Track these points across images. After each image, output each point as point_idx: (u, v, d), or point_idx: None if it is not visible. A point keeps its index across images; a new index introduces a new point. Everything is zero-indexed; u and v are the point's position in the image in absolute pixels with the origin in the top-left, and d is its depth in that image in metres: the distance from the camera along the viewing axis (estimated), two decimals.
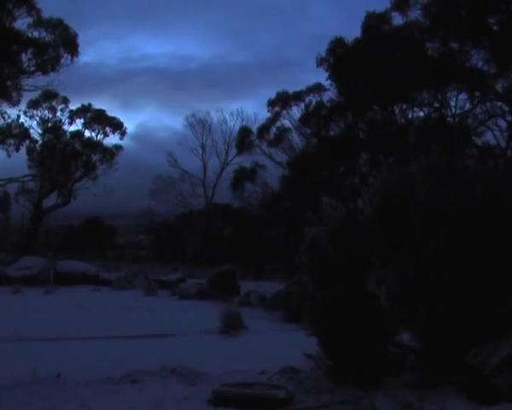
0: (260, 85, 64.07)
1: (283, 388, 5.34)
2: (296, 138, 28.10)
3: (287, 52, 70.67)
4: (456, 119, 22.41)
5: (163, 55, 74.71)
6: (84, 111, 30.68)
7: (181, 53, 77.74)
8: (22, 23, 23.62)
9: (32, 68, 24.61)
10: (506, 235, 5.55)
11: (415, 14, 21.59)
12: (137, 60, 68.55)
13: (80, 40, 25.11)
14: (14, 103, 26.08)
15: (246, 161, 30.35)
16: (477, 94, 21.36)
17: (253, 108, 65.90)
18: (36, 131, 29.99)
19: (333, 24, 69.11)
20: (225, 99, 65.90)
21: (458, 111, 22.52)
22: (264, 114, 28.92)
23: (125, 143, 31.85)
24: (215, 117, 33.41)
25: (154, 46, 78.13)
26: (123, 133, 31.11)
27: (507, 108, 21.08)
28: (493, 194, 5.65)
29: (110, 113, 31.38)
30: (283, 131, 28.10)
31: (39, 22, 24.05)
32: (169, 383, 5.97)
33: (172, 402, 5.30)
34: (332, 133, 25.95)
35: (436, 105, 22.94)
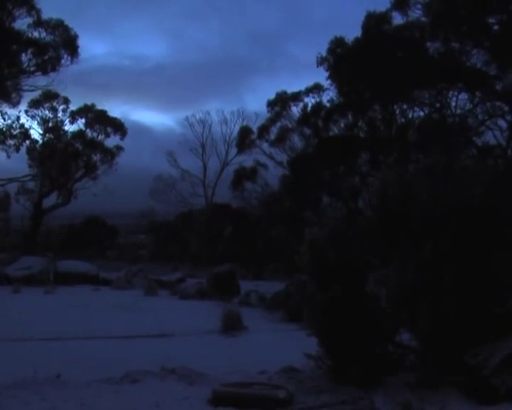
0: (219, 85, 64.38)
1: (283, 388, 5.34)
2: (296, 138, 28.14)
3: (235, 51, 70.98)
4: (457, 119, 22.40)
5: (113, 55, 73.89)
6: (85, 111, 30.70)
7: (131, 53, 77.13)
8: (22, 23, 23.69)
9: (32, 68, 24.64)
10: (506, 235, 5.54)
11: (415, 14, 21.61)
12: (89, 59, 67.96)
13: None
14: (14, 104, 26.11)
15: (246, 160, 30.42)
16: (477, 94, 21.36)
17: (216, 106, 66.02)
18: (36, 132, 30.06)
19: (270, 21, 69.48)
20: (187, 98, 65.95)
21: (458, 111, 22.53)
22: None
23: None
24: (215, 117, 33.46)
25: (99, 46, 77.42)
26: (124, 134, 31.13)
27: (507, 108, 21.08)
28: (493, 194, 5.65)
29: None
30: (284, 132, 28.11)
31: (39, 22, 24.07)
32: (169, 383, 5.97)
33: (172, 402, 5.30)
34: (332, 133, 25.96)
35: (436, 105, 22.94)
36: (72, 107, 30.43)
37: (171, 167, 32.93)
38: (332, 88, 25.05)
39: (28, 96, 27.70)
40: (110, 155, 30.98)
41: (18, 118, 28.02)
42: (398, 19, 22.45)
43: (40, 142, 30.07)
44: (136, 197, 32.79)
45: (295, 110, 27.82)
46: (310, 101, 27.15)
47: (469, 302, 5.42)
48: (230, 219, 30.76)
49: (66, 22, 24.86)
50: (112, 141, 31.12)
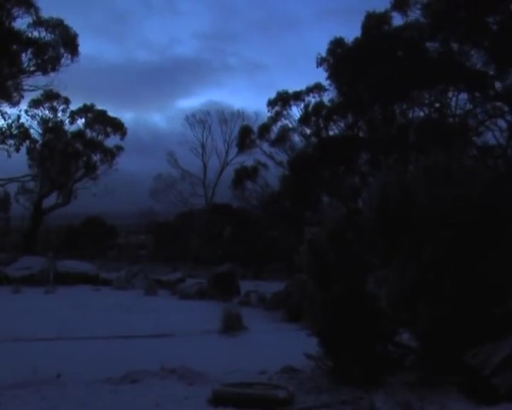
0: (173, 85, 64.29)
1: (283, 388, 5.34)
2: (296, 138, 28.17)
3: (180, 51, 70.79)
4: (456, 119, 22.41)
5: None
6: (85, 111, 30.71)
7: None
8: (22, 23, 23.70)
9: (32, 68, 24.65)
10: (506, 235, 5.55)
11: (415, 14, 21.63)
12: None
13: None
14: (15, 103, 26.13)
15: (246, 160, 30.46)
16: (477, 94, 21.37)
17: (175, 108, 66.01)
18: (36, 131, 30.07)
19: (206, 19, 69.26)
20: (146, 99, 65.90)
21: (458, 111, 22.53)
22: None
23: None
24: (215, 116, 33.45)
25: None
26: (123, 134, 31.15)
27: (507, 108, 21.08)
28: (493, 194, 5.65)
29: None
30: (285, 131, 28.12)
31: (39, 22, 24.08)
32: (169, 383, 5.97)
33: (172, 402, 5.30)
34: (332, 133, 26.00)
35: (436, 105, 22.95)
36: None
37: (171, 167, 32.98)
38: (332, 88, 25.14)
39: (28, 96, 27.75)
40: (110, 154, 31.00)
41: (18, 118, 28.07)
42: (397, 19, 22.55)
43: (40, 142, 30.09)
44: (136, 197, 32.85)
45: (296, 110, 27.87)
46: (310, 100, 27.20)
47: (469, 302, 5.42)
48: (230, 219, 30.75)
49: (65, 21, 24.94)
50: (111, 141, 31.22)
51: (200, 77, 66.28)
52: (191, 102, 78.89)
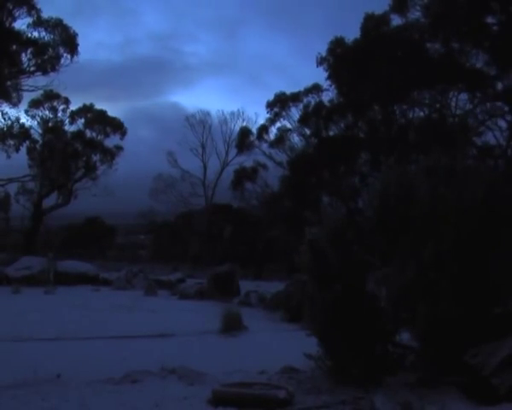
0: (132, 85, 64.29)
1: (283, 388, 5.34)
2: (296, 138, 28.17)
3: (136, 50, 70.95)
4: (457, 119, 22.42)
5: None
6: (84, 111, 30.72)
7: None
8: (22, 23, 23.72)
9: (32, 68, 24.66)
10: (506, 235, 5.55)
11: (414, 15, 21.64)
12: None
13: None
14: (15, 104, 26.14)
15: (246, 161, 30.47)
16: (477, 94, 21.38)
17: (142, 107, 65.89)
18: (36, 132, 30.08)
19: (156, 19, 69.31)
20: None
21: (458, 111, 22.54)
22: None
23: None
24: (215, 117, 33.45)
25: None
26: (123, 134, 31.16)
27: (507, 108, 21.09)
28: (494, 194, 5.65)
29: None
30: (284, 132, 28.14)
31: (39, 22, 24.09)
32: (169, 383, 5.96)
33: (172, 402, 5.30)
34: (332, 133, 25.99)
35: (436, 105, 22.95)
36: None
37: (171, 167, 32.98)
38: (331, 89, 25.15)
39: (28, 96, 27.77)
40: (110, 154, 31.02)
41: (18, 118, 28.07)
42: (396, 20, 22.57)
43: (40, 142, 30.10)
44: (136, 197, 32.83)
45: (295, 111, 27.87)
46: (309, 101, 27.19)
47: (469, 302, 5.42)
48: (230, 220, 30.77)
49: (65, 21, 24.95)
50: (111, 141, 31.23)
51: (161, 77, 66.40)
52: (152, 101, 79.26)
